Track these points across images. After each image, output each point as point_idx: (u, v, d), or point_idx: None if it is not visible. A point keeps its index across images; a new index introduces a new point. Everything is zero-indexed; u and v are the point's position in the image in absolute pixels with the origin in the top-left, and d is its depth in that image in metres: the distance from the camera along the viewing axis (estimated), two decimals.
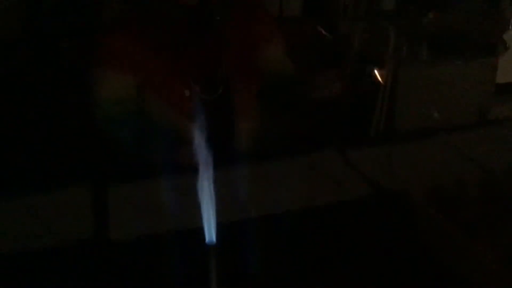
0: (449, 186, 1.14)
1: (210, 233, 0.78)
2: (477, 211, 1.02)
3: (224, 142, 1.57)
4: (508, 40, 3.65)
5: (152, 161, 1.40)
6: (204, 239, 0.78)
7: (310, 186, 1.31)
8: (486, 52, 3.31)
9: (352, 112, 1.80)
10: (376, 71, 2.39)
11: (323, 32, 2.50)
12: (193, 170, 0.79)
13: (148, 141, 1.42)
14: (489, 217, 1.01)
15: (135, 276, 1.07)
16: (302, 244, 1.12)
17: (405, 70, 2.97)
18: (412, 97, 3.02)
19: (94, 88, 1.51)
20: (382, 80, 2.46)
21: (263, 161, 1.43)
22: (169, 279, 1.03)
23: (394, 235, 1.14)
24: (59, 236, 1.14)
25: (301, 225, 1.18)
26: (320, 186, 1.31)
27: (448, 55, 3.18)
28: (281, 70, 1.63)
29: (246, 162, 1.42)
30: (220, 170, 1.29)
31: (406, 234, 1.13)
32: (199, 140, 0.83)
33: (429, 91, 3.09)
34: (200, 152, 0.81)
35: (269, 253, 1.08)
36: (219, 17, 1.48)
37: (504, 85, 4.12)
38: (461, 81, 3.18)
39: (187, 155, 1.25)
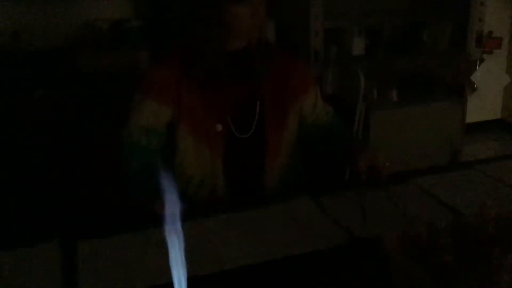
0: (421, 231, 1.14)
1: None
2: (448, 256, 1.02)
3: (247, 180, 1.63)
4: (476, 81, 3.76)
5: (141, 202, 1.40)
6: None
7: (285, 235, 1.30)
8: (455, 93, 3.40)
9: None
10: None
11: None
12: (164, 222, 0.77)
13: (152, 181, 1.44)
14: (461, 262, 1.01)
15: None
16: None
17: (376, 113, 3.02)
18: (383, 139, 3.06)
19: (129, 113, 1.58)
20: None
21: (238, 209, 1.42)
22: None
23: (368, 283, 1.14)
24: None
25: (276, 275, 1.16)
26: (295, 234, 1.30)
27: (418, 97, 3.25)
28: (312, 120, 1.73)
29: (220, 211, 1.42)
30: (192, 221, 1.30)
31: (380, 281, 1.12)
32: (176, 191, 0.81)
33: (401, 132, 3.14)
34: (171, 205, 0.80)
35: None
36: (260, 62, 1.59)
37: (473, 125, 4.23)
38: (432, 122, 3.25)
39: (162, 206, 1.27)
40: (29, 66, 2.94)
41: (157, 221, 1.16)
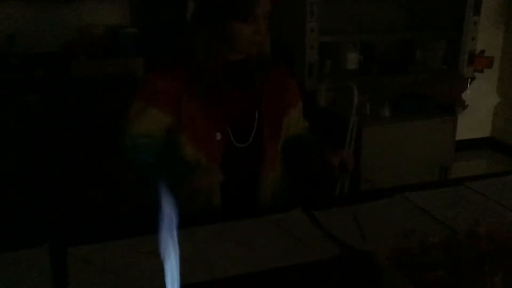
0: (413, 246, 1.15)
1: None
2: (440, 272, 1.03)
3: (242, 189, 1.65)
4: (467, 99, 3.80)
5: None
6: None
7: (277, 246, 1.30)
8: (446, 110, 3.43)
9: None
10: None
11: None
12: (158, 230, 0.77)
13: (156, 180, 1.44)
14: (452, 279, 1.02)
15: None
16: None
17: (369, 127, 3.04)
18: (375, 153, 3.08)
19: (129, 117, 1.58)
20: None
21: (231, 219, 1.42)
22: None
23: None
24: None
25: (267, 285, 1.16)
26: (287, 246, 1.30)
27: (410, 113, 3.28)
28: (292, 133, 1.76)
29: (212, 220, 1.42)
30: (185, 230, 1.29)
31: None
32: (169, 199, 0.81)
33: (392, 148, 3.16)
34: (165, 212, 0.79)
35: None
36: (259, 73, 1.62)
37: (463, 142, 4.26)
38: (422, 139, 3.27)
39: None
40: (23, 69, 2.94)
41: (149, 228, 1.16)
